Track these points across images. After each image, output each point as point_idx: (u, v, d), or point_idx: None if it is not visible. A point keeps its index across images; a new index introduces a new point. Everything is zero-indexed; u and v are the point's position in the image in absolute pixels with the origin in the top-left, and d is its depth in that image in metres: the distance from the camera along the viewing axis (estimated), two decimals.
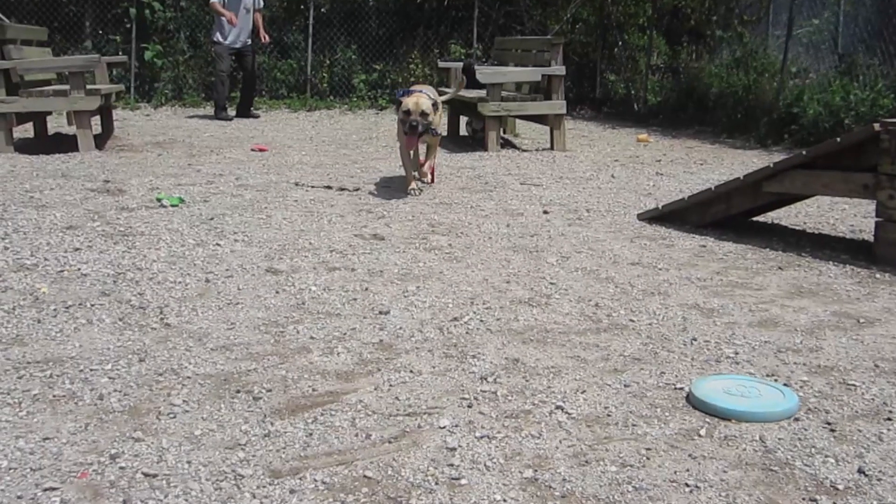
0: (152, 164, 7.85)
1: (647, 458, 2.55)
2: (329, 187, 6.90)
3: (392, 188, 6.92)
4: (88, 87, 8.64)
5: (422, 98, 6.50)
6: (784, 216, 6.26)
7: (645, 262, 4.85)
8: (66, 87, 8.65)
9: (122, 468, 2.39)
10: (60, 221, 5.27)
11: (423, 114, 6.43)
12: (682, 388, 3.07)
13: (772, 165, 5.45)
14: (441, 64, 13.10)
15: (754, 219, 6.08)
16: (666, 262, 4.86)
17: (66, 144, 8.68)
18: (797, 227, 5.96)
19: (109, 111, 10.13)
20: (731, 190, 5.57)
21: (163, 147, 9.27)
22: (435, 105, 6.63)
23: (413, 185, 6.79)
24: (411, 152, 7.03)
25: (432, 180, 7.18)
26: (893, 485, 2.43)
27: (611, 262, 4.83)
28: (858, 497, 2.37)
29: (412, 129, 6.44)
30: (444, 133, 7.24)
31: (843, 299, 4.24)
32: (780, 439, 2.70)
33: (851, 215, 6.37)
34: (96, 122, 9.49)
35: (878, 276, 4.66)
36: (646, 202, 6.60)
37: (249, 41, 12.51)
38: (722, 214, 5.67)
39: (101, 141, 9.11)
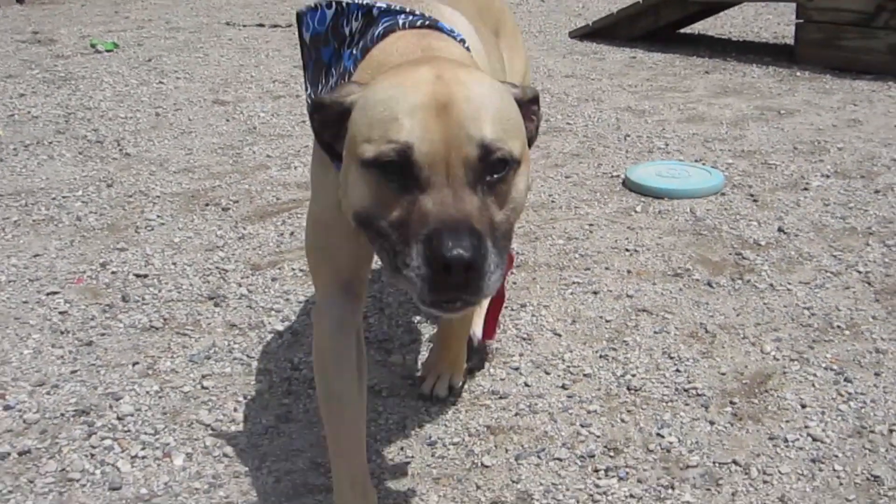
0: (78, 14, 7.69)
1: (591, 232, 2.83)
2: (262, 25, 6.88)
3: None
4: None
5: (463, 89, 1.09)
6: (710, 27, 6.46)
7: (578, 74, 5.04)
8: None
9: (113, 273, 2.58)
10: None
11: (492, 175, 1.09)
12: (618, 176, 3.34)
13: None
14: None
15: (681, 30, 6.27)
16: (598, 73, 5.06)
17: None
18: (723, 37, 6.17)
19: None
20: (659, 2, 5.73)
21: None
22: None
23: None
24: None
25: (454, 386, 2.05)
26: (809, 238, 2.75)
27: (545, 75, 5.01)
28: (779, 250, 2.68)
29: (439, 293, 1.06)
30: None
31: (765, 95, 4.51)
32: (708, 210, 2.99)
33: (775, 24, 6.59)
34: None
35: (798, 74, 4.93)
36: (576, 22, 6.73)
37: None
38: (650, 27, 5.85)
39: None
